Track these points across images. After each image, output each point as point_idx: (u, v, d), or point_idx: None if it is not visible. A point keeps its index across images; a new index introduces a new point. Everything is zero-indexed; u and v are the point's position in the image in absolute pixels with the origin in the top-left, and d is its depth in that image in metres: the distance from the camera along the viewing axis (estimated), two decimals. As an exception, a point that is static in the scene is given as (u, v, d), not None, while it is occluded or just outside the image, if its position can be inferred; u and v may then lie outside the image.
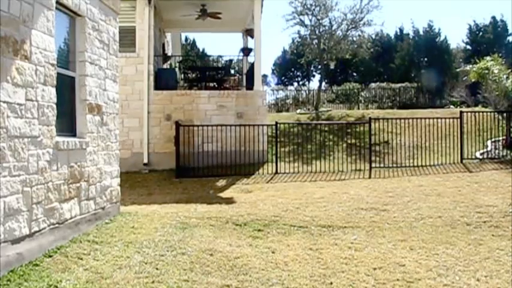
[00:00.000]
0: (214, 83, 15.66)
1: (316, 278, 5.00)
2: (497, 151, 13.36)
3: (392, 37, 36.78)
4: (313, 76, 38.47)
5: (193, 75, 16.36)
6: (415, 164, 12.63)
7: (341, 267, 5.33)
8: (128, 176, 11.64)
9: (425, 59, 33.49)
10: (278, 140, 13.30)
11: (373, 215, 7.95)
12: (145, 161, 13.53)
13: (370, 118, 13.93)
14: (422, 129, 13.62)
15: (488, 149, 13.65)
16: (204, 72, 16.19)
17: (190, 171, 12.61)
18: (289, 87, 33.88)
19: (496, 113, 14.81)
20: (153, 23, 13.97)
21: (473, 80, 16.34)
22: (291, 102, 28.08)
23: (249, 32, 17.21)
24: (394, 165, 12.87)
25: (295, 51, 35.49)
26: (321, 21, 22.53)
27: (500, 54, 16.22)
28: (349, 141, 15.34)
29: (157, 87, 13.95)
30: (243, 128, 13.26)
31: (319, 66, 29.62)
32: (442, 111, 18.39)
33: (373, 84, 29.48)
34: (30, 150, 5.14)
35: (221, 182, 11.78)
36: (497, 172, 11.20)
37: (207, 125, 13.24)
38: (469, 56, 29.51)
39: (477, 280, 5.01)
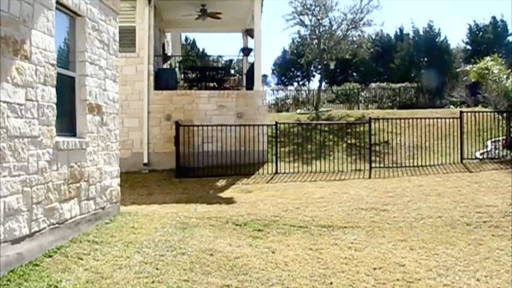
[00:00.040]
0: (214, 83, 15.66)
1: (316, 278, 5.00)
2: (497, 151, 13.36)
3: (392, 37, 36.80)
4: (313, 76, 38.55)
5: (193, 75, 16.36)
6: (415, 164, 12.63)
7: (341, 267, 5.33)
8: (128, 176, 11.64)
9: (425, 59, 33.50)
10: (278, 140, 13.30)
11: (373, 215, 7.95)
12: (145, 161, 13.53)
13: (370, 118, 13.94)
14: (422, 129, 13.62)
15: (488, 149, 13.65)
16: (204, 72, 16.19)
17: (190, 171, 12.61)
18: (289, 87, 33.92)
19: (496, 113, 14.81)
20: (153, 23, 13.97)
21: (473, 80, 16.33)
22: (291, 102, 28.08)
23: (249, 32, 17.21)
24: (394, 165, 12.87)
25: (295, 51, 35.50)
26: (321, 21, 22.53)
27: (500, 54, 16.21)
28: (349, 141, 15.34)
29: (157, 87, 13.95)
30: (243, 128, 13.26)
31: (319, 66, 29.63)
32: (442, 111, 18.40)
33: (373, 84, 29.48)
34: (30, 150, 5.14)
35: (221, 182, 11.78)
36: (497, 172, 11.20)
37: (207, 125, 13.24)
38: (469, 56, 29.52)
39: (477, 280, 5.01)
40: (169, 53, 18.87)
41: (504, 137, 13.86)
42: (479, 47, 31.87)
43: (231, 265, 5.30)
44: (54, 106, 5.66)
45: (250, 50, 17.03)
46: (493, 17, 34.22)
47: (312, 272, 5.18)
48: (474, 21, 34.86)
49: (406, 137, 14.13)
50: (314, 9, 22.07)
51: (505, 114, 14.35)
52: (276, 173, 12.48)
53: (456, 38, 66.31)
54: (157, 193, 10.85)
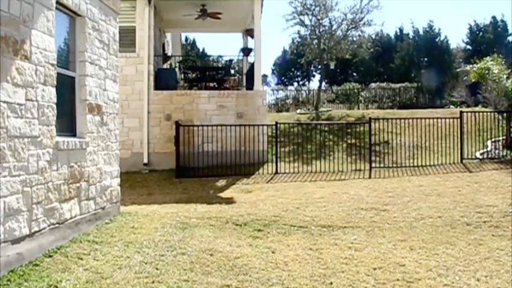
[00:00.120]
0: (214, 83, 15.67)
1: (316, 278, 5.00)
2: (497, 151, 13.36)
3: (392, 37, 36.78)
4: (313, 76, 38.53)
5: (193, 75, 16.37)
6: (415, 164, 12.63)
7: (341, 267, 5.33)
8: (127, 176, 11.64)
9: (425, 59, 33.49)
10: (278, 140, 13.30)
11: (373, 215, 7.95)
12: (145, 161, 13.53)
13: (370, 118, 13.94)
14: (422, 129, 13.62)
15: (488, 149, 13.65)
16: (204, 72, 16.19)
17: (190, 171, 12.61)
18: (289, 87, 33.92)
19: (496, 113, 14.80)
20: (153, 23, 13.98)
21: (473, 80, 16.33)
22: (291, 102, 28.08)
23: (249, 32, 17.21)
24: (394, 165, 12.87)
25: (295, 51, 35.49)
26: (321, 21, 22.54)
27: (500, 54, 16.21)
28: (349, 141, 15.34)
29: (157, 87, 13.95)
30: (243, 128, 13.26)
31: (319, 66, 29.63)
32: (442, 111, 18.39)
33: (373, 84, 29.48)
34: (30, 150, 5.14)
35: (221, 182, 11.78)
36: (497, 172, 11.20)
37: (207, 125, 13.24)
38: (469, 56, 29.49)
39: (477, 280, 5.02)
40: (169, 53, 18.88)
41: (504, 137, 13.86)
42: (480, 47, 31.86)
43: (231, 265, 5.30)
44: (54, 106, 5.66)
45: (250, 50, 17.04)
46: (493, 17, 34.25)
47: (312, 272, 5.18)
48: (474, 21, 34.91)
49: (406, 137, 14.13)
50: (314, 9, 22.08)
51: (505, 114, 14.35)
52: (276, 173, 12.48)
53: (456, 38, 66.40)
54: (157, 193, 10.85)
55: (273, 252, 5.87)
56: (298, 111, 23.13)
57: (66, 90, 6.39)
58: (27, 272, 4.75)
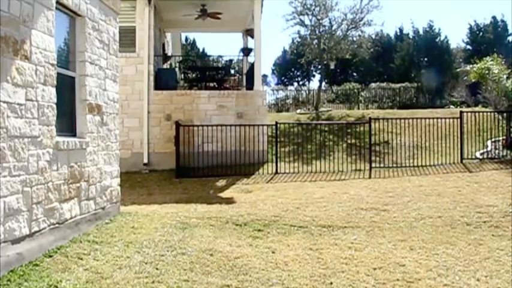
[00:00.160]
0: (214, 83, 15.67)
1: (316, 278, 5.00)
2: (497, 151, 13.36)
3: (392, 37, 36.79)
4: (313, 76, 38.53)
5: (193, 75, 16.37)
6: (415, 164, 12.63)
7: (341, 267, 5.33)
8: (127, 176, 11.64)
9: (426, 59, 33.50)
10: (278, 140, 13.30)
11: (373, 215, 7.95)
12: (145, 161, 13.53)
13: (370, 118, 13.94)
14: (422, 129, 13.62)
15: (488, 149, 13.65)
16: (204, 72, 16.19)
17: (190, 171, 12.61)
18: (289, 87, 33.92)
19: (496, 113, 14.80)
20: (153, 23, 13.98)
21: (473, 80, 16.31)
22: (291, 102, 28.09)
23: (249, 32, 17.21)
24: (394, 165, 12.87)
25: (295, 51, 35.49)
26: (321, 21, 22.54)
27: (500, 54, 16.20)
28: (349, 141, 15.34)
29: (157, 87, 13.96)
30: (243, 128, 13.26)
31: (319, 66, 29.63)
32: (442, 111, 18.40)
33: (373, 84, 29.48)
34: (30, 150, 5.14)
35: (221, 182, 11.78)
36: (497, 172, 11.20)
37: (207, 125, 13.24)
38: (469, 56, 29.47)
39: (477, 280, 5.02)
40: (169, 53, 18.87)
41: (504, 137, 13.86)
42: (480, 47, 31.87)
43: (231, 265, 5.30)
44: (54, 106, 5.66)
45: (250, 50, 17.04)
46: (493, 17, 34.27)
47: (312, 272, 5.18)
48: (474, 21, 34.93)
49: (406, 137, 14.13)
50: (314, 9, 22.08)
51: (505, 114, 14.35)
52: (276, 173, 12.48)
53: (456, 38, 66.40)
54: (157, 193, 10.85)
55: (273, 252, 5.87)
56: (298, 111, 23.13)
57: (66, 90, 6.39)
58: (27, 272, 4.75)
